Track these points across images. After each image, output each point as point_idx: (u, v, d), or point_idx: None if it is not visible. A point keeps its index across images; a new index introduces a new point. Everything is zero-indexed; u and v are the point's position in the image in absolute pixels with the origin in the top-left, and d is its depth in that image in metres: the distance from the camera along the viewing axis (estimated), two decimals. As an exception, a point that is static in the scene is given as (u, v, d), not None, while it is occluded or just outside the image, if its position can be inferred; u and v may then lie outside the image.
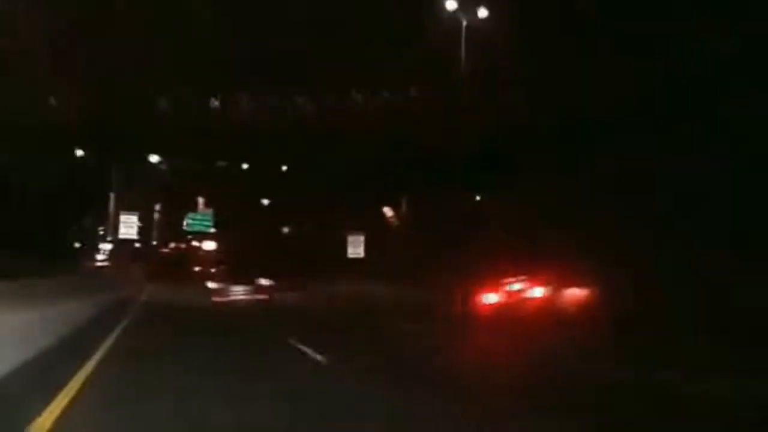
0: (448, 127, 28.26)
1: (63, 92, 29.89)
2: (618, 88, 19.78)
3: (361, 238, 38.51)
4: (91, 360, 9.80)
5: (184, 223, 54.68)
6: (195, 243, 64.40)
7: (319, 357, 10.99)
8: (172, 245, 65.65)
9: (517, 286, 16.17)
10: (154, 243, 62.24)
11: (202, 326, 18.84)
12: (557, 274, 15.60)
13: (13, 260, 20.75)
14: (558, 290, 15.52)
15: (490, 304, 16.35)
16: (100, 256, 46.93)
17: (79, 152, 35.86)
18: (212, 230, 57.09)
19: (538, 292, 15.83)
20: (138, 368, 9.54)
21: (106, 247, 45.36)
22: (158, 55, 32.40)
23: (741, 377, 8.56)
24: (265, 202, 57.28)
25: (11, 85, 26.17)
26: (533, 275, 16.06)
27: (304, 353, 11.61)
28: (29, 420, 5.87)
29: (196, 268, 60.49)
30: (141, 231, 54.62)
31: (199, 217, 54.14)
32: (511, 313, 15.81)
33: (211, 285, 47.39)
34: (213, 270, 52.01)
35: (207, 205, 55.01)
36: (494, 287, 16.35)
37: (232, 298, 35.84)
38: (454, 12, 30.37)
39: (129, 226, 38.87)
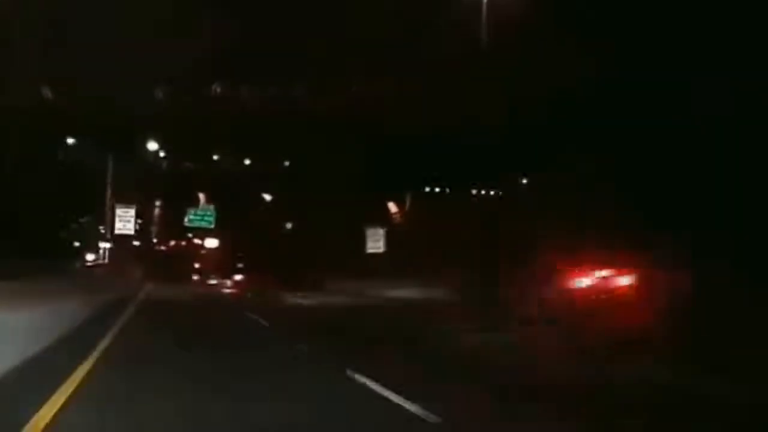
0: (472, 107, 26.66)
1: (54, 77, 28.50)
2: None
3: (381, 232, 36.44)
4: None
5: (185, 219, 52.73)
6: (197, 240, 62.64)
7: (413, 408, 6.58)
8: (173, 243, 63.86)
9: (604, 273, 15.60)
10: (155, 241, 60.58)
11: (222, 350, 12.00)
12: (641, 262, 15.10)
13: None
14: (645, 278, 14.91)
15: (582, 288, 15.72)
16: (90, 256, 43.68)
17: (71, 140, 34.25)
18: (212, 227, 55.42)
19: (625, 280, 15.30)
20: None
21: (107, 245, 43.06)
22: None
23: None
24: (267, 197, 55.98)
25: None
26: (617, 263, 15.52)
27: (382, 399, 7.22)
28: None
29: (196, 265, 58.73)
30: (140, 229, 53.04)
31: (201, 213, 51.81)
32: (604, 301, 15.06)
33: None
34: (235, 278, 47.63)
35: (208, 200, 53.21)
36: (584, 273, 15.77)
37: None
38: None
39: (126, 221, 34.72)
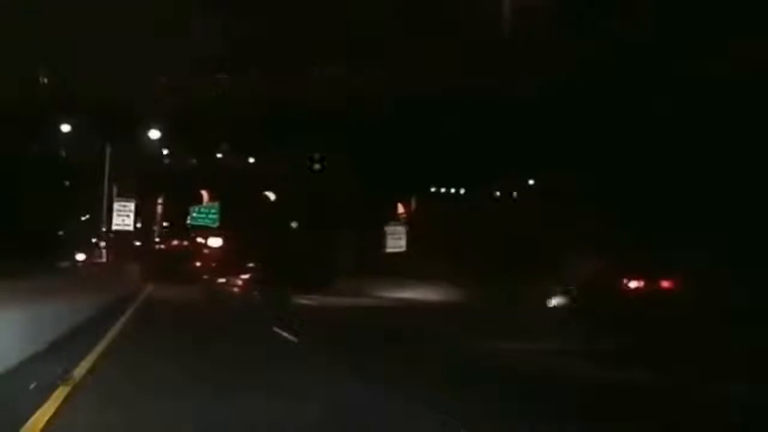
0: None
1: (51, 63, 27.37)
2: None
3: (402, 229, 33.83)
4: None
5: (188, 217, 50.93)
6: (199, 239, 60.79)
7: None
8: (175, 242, 62.05)
9: (650, 276, 16.11)
10: (157, 240, 58.91)
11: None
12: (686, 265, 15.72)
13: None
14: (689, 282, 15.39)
15: (635, 289, 16.18)
16: (80, 255, 40.08)
17: (66, 128, 32.57)
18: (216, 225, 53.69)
19: (666, 283, 15.94)
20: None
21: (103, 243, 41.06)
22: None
23: None
24: (272, 196, 54.37)
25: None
26: (662, 266, 16.26)
27: None
28: None
29: (198, 263, 56.85)
30: (142, 228, 51.35)
31: (204, 211, 49.84)
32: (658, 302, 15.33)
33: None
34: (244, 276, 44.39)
35: (212, 198, 51.41)
36: (638, 276, 16.26)
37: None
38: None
39: (124, 215, 31.05)
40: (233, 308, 26.08)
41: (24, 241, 32.51)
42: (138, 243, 49.39)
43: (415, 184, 40.91)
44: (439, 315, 22.25)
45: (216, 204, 49.75)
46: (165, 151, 46.51)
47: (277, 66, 31.70)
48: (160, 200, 55.80)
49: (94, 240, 33.74)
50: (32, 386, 6.94)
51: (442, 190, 48.16)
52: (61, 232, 42.05)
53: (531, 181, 38.48)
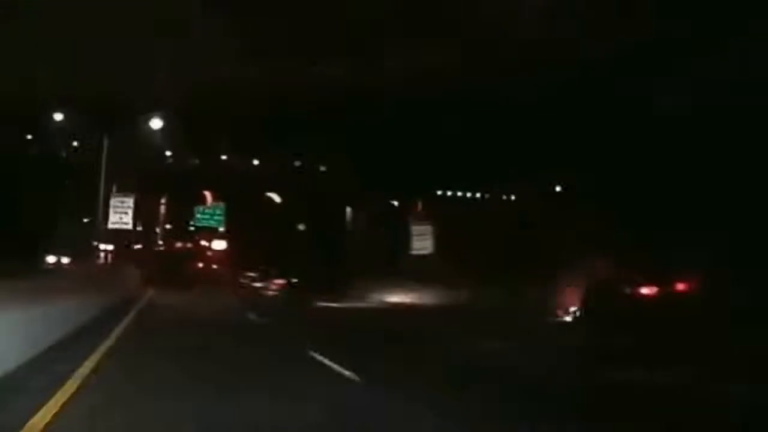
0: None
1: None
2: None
3: (429, 228, 30.43)
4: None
5: (193, 218, 50.00)
6: (203, 242, 60.30)
7: None
8: (179, 245, 61.58)
9: (665, 280, 16.14)
10: (160, 243, 58.60)
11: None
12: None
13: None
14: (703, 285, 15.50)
15: (649, 295, 16.15)
16: (50, 258, 37.66)
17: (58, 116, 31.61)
18: (221, 229, 53.23)
19: (681, 286, 15.94)
20: None
21: (108, 247, 39.53)
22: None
23: None
24: (276, 198, 54.08)
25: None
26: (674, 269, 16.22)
27: None
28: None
29: (200, 264, 56.18)
30: (143, 232, 50.74)
31: (209, 212, 48.80)
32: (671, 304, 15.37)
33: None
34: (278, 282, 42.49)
35: (215, 199, 50.67)
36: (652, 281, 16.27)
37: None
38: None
39: (122, 212, 27.90)
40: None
41: (23, 242, 32.33)
42: (138, 246, 48.58)
43: (416, 186, 40.60)
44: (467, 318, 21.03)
45: (221, 204, 48.56)
46: (168, 153, 46.16)
47: (278, 66, 31.44)
48: (163, 200, 55.13)
49: (95, 243, 31.50)
50: None
51: (449, 193, 48.01)
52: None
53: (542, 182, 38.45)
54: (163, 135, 34.48)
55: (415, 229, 30.95)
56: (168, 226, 60.76)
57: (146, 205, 42.60)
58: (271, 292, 38.89)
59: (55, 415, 6.01)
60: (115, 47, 29.20)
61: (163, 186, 49.92)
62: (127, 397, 7.18)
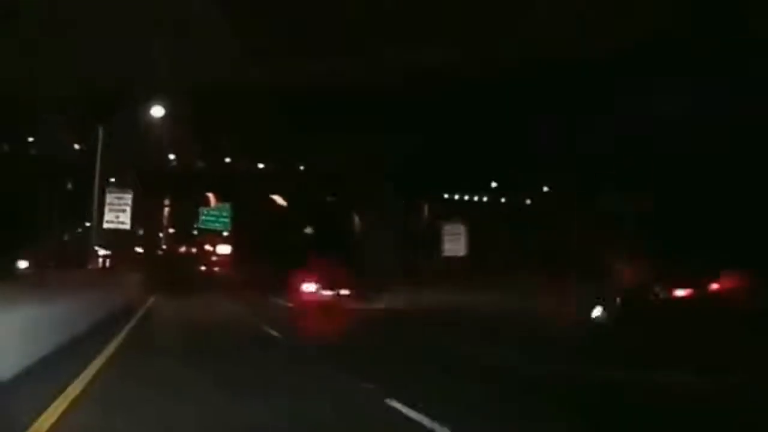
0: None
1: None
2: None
3: (462, 228, 27.60)
4: None
5: (198, 220, 48.95)
6: (207, 246, 59.70)
7: None
8: (183, 249, 61.17)
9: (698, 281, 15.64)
10: (164, 247, 58.43)
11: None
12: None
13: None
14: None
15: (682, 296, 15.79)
16: (22, 263, 34.52)
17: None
18: (225, 234, 52.76)
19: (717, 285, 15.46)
20: None
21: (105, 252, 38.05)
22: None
23: None
24: (281, 201, 53.86)
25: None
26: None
27: None
28: None
29: (202, 267, 55.57)
30: (145, 236, 50.29)
31: (215, 213, 46.75)
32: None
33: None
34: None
35: (219, 200, 49.71)
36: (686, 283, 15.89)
37: None
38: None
39: (119, 210, 24.81)
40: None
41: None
42: (139, 249, 48.05)
43: (421, 188, 40.36)
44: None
45: (227, 205, 46.43)
46: (171, 156, 45.90)
47: (278, 65, 31.28)
48: (166, 201, 54.59)
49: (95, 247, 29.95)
50: None
51: (456, 196, 47.64)
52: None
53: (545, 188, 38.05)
54: (164, 135, 34.33)
55: (447, 228, 28.08)
56: (171, 230, 60.51)
57: (148, 208, 41.92)
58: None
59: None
60: (115, 47, 29.17)
61: (165, 189, 49.19)
62: None
